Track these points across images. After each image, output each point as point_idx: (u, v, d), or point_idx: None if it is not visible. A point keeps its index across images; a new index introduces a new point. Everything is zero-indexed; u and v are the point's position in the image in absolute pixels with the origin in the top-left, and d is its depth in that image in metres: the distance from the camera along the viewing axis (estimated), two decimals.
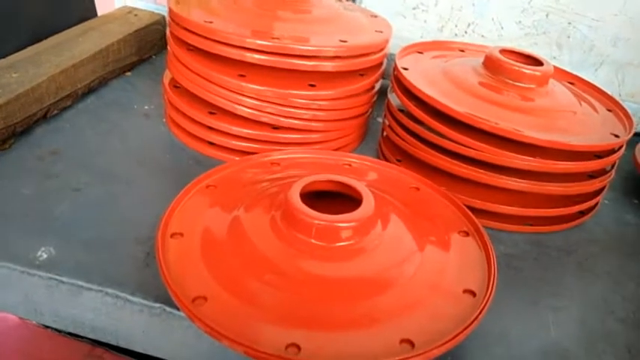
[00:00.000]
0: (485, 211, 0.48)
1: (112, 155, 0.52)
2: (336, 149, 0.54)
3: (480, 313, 0.33)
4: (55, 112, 0.56)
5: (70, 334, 0.56)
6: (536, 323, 0.40)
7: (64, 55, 0.58)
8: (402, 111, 0.52)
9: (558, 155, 0.47)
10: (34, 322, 0.58)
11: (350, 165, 0.49)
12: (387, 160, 0.54)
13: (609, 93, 0.57)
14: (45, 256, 0.39)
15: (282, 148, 0.51)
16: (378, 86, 0.58)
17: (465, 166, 0.48)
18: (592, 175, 0.50)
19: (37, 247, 0.40)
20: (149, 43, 0.71)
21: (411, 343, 0.31)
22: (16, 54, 0.58)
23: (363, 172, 0.48)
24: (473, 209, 0.44)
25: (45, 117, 0.55)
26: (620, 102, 0.55)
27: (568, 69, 0.61)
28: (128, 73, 0.67)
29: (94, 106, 0.60)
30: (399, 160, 0.53)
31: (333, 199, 0.41)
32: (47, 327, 0.56)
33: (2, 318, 0.59)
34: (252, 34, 0.48)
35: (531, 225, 0.49)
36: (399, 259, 0.37)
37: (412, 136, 0.50)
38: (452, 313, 0.33)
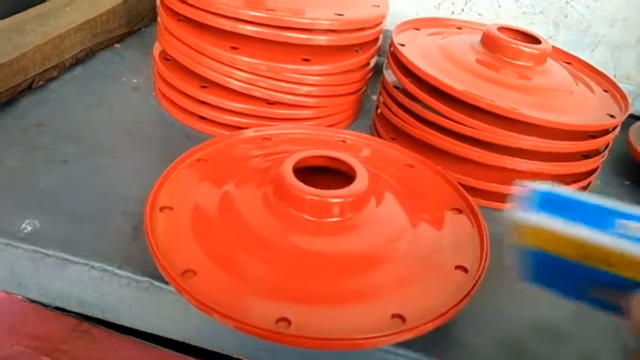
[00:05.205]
0: (479, 189, 0.47)
1: (99, 128, 0.51)
2: (329, 126, 0.53)
3: (472, 288, 0.32)
4: (41, 82, 0.54)
5: (57, 308, 0.55)
6: (527, 299, 0.39)
7: (49, 25, 0.56)
8: (397, 88, 0.51)
9: (554, 134, 0.46)
10: (19, 296, 0.57)
11: (344, 141, 0.48)
12: (381, 137, 0.53)
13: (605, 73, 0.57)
14: (29, 228, 0.38)
15: (274, 123, 0.50)
16: (373, 63, 0.57)
17: (459, 144, 0.47)
18: (586, 156, 0.50)
19: (22, 220, 0.38)
20: (139, 15, 0.69)
21: (403, 318, 0.31)
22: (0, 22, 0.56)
23: (358, 149, 0.47)
24: (467, 187, 0.44)
25: (30, 88, 0.53)
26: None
27: (564, 49, 0.61)
28: (117, 45, 0.66)
29: (81, 77, 0.58)
30: (392, 138, 0.52)
31: (326, 175, 0.41)
32: (33, 301, 0.55)
33: None
34: (244, 4, 0.46)
35: None
36: (392, 235, 0.36)
37: (407, 114, 0.50)
38: (444, 289, 0.33)
